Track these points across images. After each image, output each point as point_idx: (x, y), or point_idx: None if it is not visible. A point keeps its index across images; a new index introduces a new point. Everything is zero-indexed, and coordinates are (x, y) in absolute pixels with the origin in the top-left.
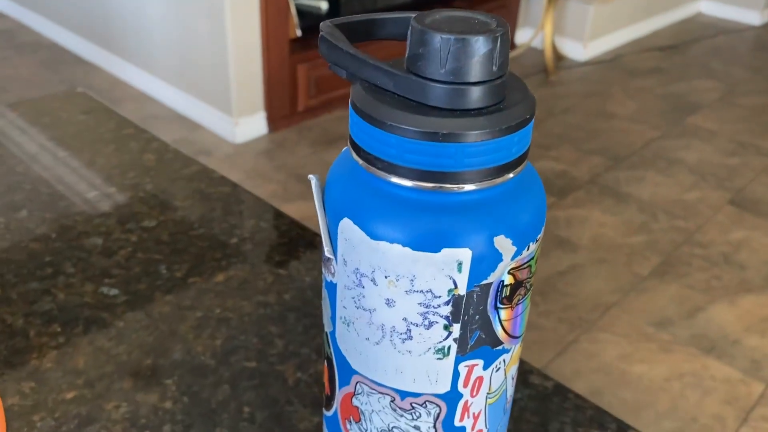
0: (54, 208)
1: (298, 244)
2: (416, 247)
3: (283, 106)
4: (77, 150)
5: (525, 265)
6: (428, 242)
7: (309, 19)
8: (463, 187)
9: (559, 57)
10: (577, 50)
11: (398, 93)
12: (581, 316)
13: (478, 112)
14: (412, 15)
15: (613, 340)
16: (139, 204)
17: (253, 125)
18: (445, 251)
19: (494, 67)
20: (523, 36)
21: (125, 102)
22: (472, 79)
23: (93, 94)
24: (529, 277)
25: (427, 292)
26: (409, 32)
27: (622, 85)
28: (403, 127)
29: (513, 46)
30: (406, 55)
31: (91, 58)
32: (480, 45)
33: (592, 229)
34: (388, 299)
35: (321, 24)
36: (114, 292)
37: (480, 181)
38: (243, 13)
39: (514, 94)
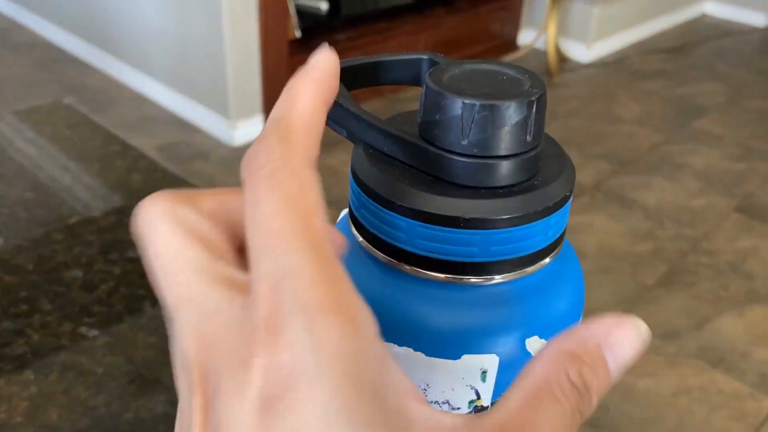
0: (32, 235)
1: None
2: (431, 352)
3: None
4: (61, 169)
5: None
6: (446, 347)
7: (309, 19)
8: (490, 280)
9: (562, 59)
10: (581, 52)
11: (410, 164)
12: None
13: (507, 190)
14: (424, 57)
15: None
16: (124, 231)
17: (251, 128)
18: (466, 358)
19: (528, 137)
20: (526, 37)
21: (121, 103)
22: (501, 153)
23: (86, 98)
24: None
25: (443, 403)
26: (423, 92)
27: (626, 87)
28: (416, 208)
29: (516, 47)
30: (419, 120)
31: (87, 59)
32: (512, 112)
33: (597, 237)
34: None
35: None
36: (94, 333)
37: (510, 272)
38: (241, 14)
39: (550, 164)
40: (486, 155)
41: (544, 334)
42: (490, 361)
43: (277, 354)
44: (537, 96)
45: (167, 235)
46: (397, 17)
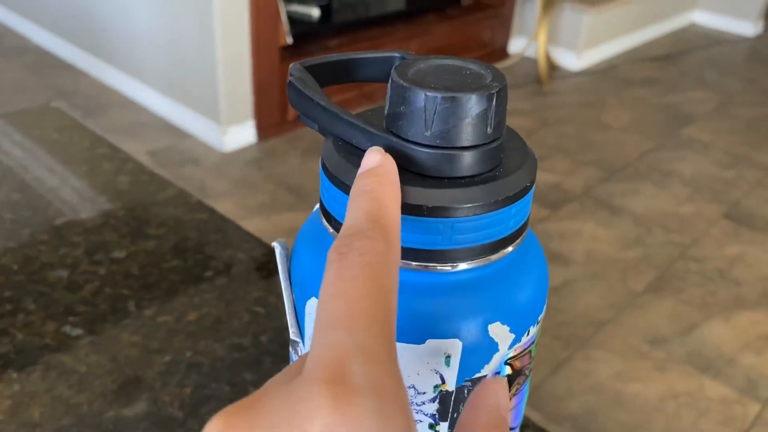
0: (17, 236)
1: (278, 277)
2: (396, 337)
3: (272, 114)
4: (48, 171)
5: (525, 352)
6: (410, 332)
7: (300, 26)
8: (453, 267)
9: (553, 66)
10: (571, 60)
11: None
12: (575, 333)
13: (470, 180)
14: (396, 55)
15: (607, 358)
16: (110, 232)
17: (241, 134)
18: (430, 342)
19: (489, 129)
20: (516, 45)
21: (112, 109)
22: (463, 144)
23: (77, 102)
24: (530, 363)
25: (409, 387)
26: (389, 85)
27: (616, 95)
28: None
29: (506, 55)
30: (386, 112)
31: (78, 64)
32: (472, 104)
33: (586, 243)
34: None
35: (290, 66)
36: (77, 332)
37: (472, 259)
38: (232, 20)
39: (512, 155)
40: (448, 146)
41: (507, 321)
42: (454, 346)
43: (340, 414)
44: (497, 89)
45: None
46: (388, 25)
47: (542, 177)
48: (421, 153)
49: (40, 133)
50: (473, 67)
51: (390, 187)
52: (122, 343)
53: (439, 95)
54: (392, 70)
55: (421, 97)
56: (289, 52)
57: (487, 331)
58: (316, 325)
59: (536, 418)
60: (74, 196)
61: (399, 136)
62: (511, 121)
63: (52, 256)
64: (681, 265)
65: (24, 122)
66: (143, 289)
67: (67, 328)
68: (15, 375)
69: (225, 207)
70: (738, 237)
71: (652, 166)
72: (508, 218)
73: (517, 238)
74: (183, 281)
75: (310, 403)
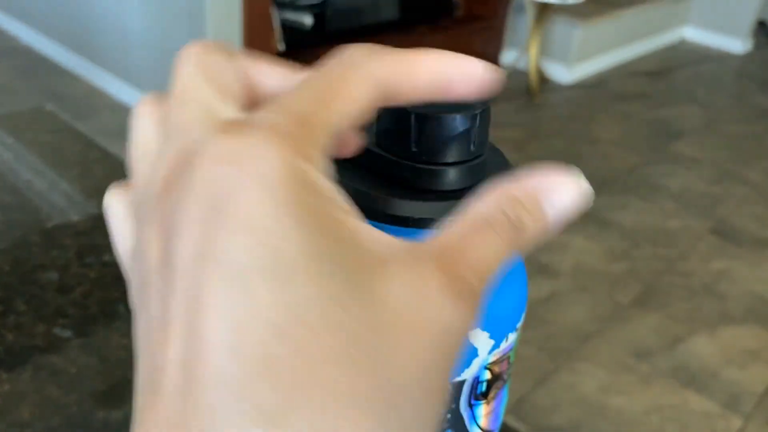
0: (8, 238)
1: None
2: None
3: None
4: (39, 173)
5: (503, 358)
6: None
7: (293, 33)
8: None
9: (543, 79)
10: (562, 73)
11: (366, 169)
12: (561, 345)
13: (454, 194)
14: None
15: (592, 371)
16: (101, 236)
17: None
18: None
19: (472, 147)
20: (508, 57)
21: (103, 112)
22: (447, 160)
23: (67, 105)
24: (509, 369)
25: None
26: None
27: (606, 109)
28: (371, 208)
29: (498, 66)
30: (375, 129)
31: (69, 66)
32: (457, 124)
33: (574, 256)
34: None
35: None
36: (68, 333)
37: None
38: (224, 26)
39: (496, 171)
40: (433, 162)
41: (486, 327)
42: None
43: (228, 141)
44: (480, 110)
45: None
46: (381, 34)
47: None
48: (408, 168)
49: (33, 135)
50: None
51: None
52: (112, 345)
53: (426, 114)
54: None
55: (409, 117)
56: (280, 60)
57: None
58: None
59: (522, 429)
60: (66, 199)
61: (388, 152)
62: (501, 133)
63: (43, 259)
64: (667, 279)
65: (17, 124)
66: None
67: (57, 330)
68: (5, 375)
69: None
70: (724, 252)
71: (641, 180)
72: None
73: None
74: None
75: (205, 141)
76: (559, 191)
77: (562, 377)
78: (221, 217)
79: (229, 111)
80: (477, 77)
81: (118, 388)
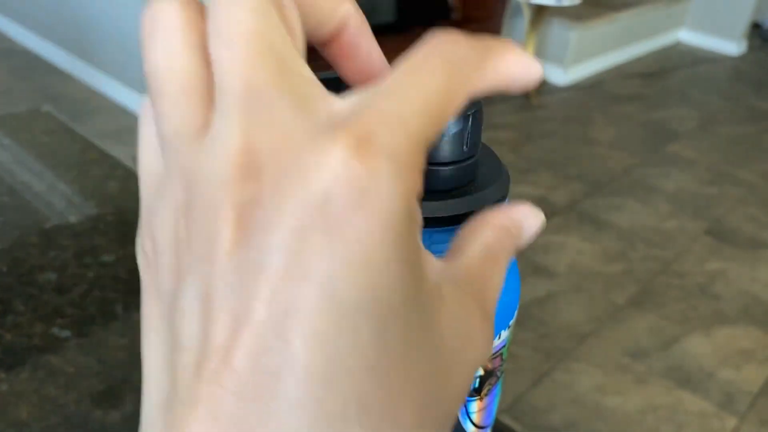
0: (7, 238)
1: None
2: None
3: None
4: (37, 175)
5: (496, 354)
6: None
7: None
8: None
9: (540, 81)
10: (559, 75)
11: None
12: (557, 345)
13: (447, 193)
14: None
15: (588, 371)
16: (99, 236)
17: None
18: None
19: (465, 148)
20: None
21: (99, 113)
22: (441, 160)
23: (64, 107)
24: (501, 365)
25: None
26: None
27: (602, 110)
28: None
29: None
30: None
31: (66, 68)
32: (450, 125)
33: (570, 257)
34: None
35: None
36: (66, 333)
37: None
38: None
39: (487, 171)
40: (427, 162)
41: None
42: None
43: (358, 162)
44: (473, 111)
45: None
46: (378, 37)
47: (528, 190)
48: None
49: (30, 136)
50: None
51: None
52: (110, 345)
53: None
54: None
55: None
56: None
57: None
58: (376, 85)
59: (517, 429)
60: (63, 200)
61: None
62: (497, 135)
63: (41, 259)
64: (663, 279)
65: (14, 125)
66: (131, 292)
67: (55, 330)
68: (3, 375)
69: None
70: (719, 253)
71: (636, 181)
72: None
73: None
74: None
75: (329, 150)
76: (529, 220)
77: (558, 377)
78: (334, 241)
79: (323, 93)
80: (534, 76)
81: (115, 388)
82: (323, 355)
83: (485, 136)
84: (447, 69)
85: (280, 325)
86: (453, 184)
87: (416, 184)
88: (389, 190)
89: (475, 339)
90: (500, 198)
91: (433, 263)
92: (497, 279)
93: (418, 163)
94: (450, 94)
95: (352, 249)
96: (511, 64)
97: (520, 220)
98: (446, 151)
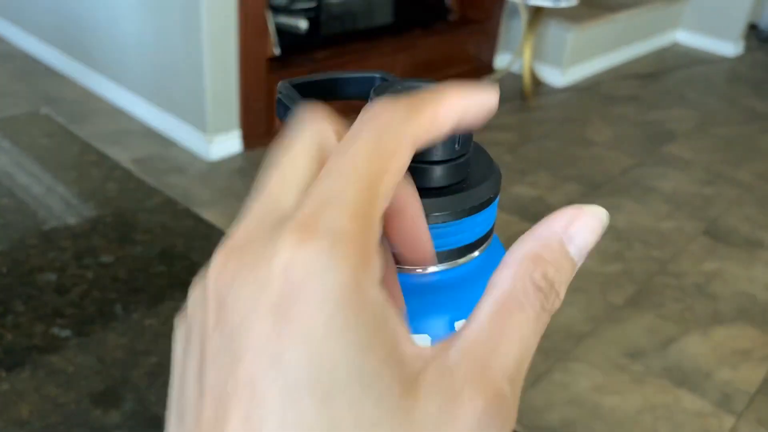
0: (7, 239)
1: None
2: None
3: (259, 124)
4: (36, 176)
5: None
6: None
7: (288, 37)
8: (424, 269)
9: (537, 82)
10: (556, 76)
11: None
12: (555, 346)
13: (439, 191)
14: (377, 75)
15: (586, 371)
16: (98, 237)
17: (227, 143)
18: None
19: (456, 146)
20: (502, 61)
21: (98, 116)
22: (433, 158)
23: (62, 109)
24: None
25: None
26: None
27: (599, 111)
28: None
29: (492, 70)
30: None
31: (64, 70)
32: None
33: None
34: None
35: (278, 84)
36: (66, 333)
37: (442, 263)
38: (220, 29)
39: (479, 169)
40: (420, 160)
41: None
42: (423, 341)
43: (300, 250)
44: None
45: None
46: (376, 38)
47: (525, 191)
48: None
49: (30, 139)
50: None
51: (458, 101)
52: (109, 344)
53: None
54: (371, 91)
55: None
56: (276, 64)
57: (453, 328)
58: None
59: (516, 429)
60: (63, 202)
61: None
62: (495, 136)
63: (41, 260)
64: (660, 280)
65: (13, 128)
66: (130, 293)
67: (55, 330)
68: (4, 374)
69: (210, 216)
70: (716, 253)
71: (634, 182)
72: (474, 226)
73: (483, 244)
74: (170, 286)
75: (279, 242)
76: (581, 232)
77: (556, 377)
78: (279, 323)
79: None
80: (487, 107)
81: (115, 388)
82: (276, 427)
83: (482, 138)
84: (374, 135)
85: (253, 407)
86: (446, 182)
87: (365, 255)
88: (333, 267)
89: (460, 428)
90: (492, 195)
91: (411, 350)
92: (517, 341)
93: (366, 232)
94: (383, 155)
95: (294, 327)
96: (454, 103)
97: (557, 237)
98: (438, 150)
